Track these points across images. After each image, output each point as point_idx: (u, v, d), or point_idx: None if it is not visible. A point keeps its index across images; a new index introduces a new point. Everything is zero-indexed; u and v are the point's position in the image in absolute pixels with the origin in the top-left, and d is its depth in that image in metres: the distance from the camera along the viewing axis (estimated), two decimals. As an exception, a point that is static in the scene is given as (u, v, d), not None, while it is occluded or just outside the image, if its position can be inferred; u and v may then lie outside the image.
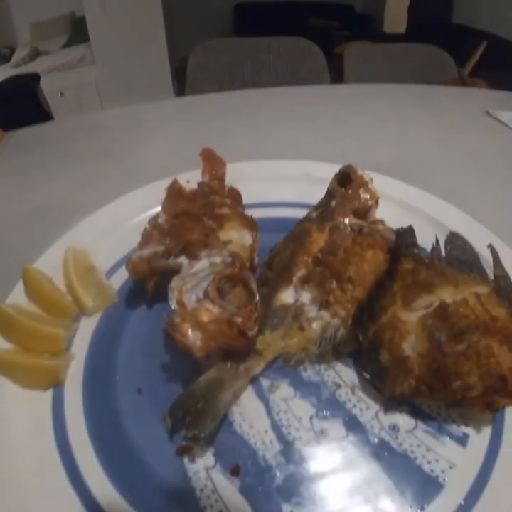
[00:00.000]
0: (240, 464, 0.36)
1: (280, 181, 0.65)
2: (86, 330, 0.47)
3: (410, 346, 0.37)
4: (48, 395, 0.41)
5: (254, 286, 0.41)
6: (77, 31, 3.72)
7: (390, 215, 0.54)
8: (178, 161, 0.71)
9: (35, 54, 3.61)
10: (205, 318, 0.37)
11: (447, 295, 0.39)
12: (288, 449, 0.37)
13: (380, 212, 0.52)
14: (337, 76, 1.63)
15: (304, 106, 1.06)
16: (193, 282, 0.40)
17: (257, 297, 0.40)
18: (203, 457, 0.37)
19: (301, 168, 0.67)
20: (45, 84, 2.25)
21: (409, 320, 0.38)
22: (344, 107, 1.06)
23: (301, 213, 0.55)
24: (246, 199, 0.59)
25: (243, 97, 1.12)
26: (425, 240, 0.52)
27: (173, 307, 0.38)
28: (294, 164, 0.68)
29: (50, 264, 0.52)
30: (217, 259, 0.42)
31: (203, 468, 0.36)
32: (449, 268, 0.43)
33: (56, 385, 0.42)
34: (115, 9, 3.43)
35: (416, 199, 0.59)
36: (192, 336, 0.36)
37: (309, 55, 1.54)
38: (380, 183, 0.54)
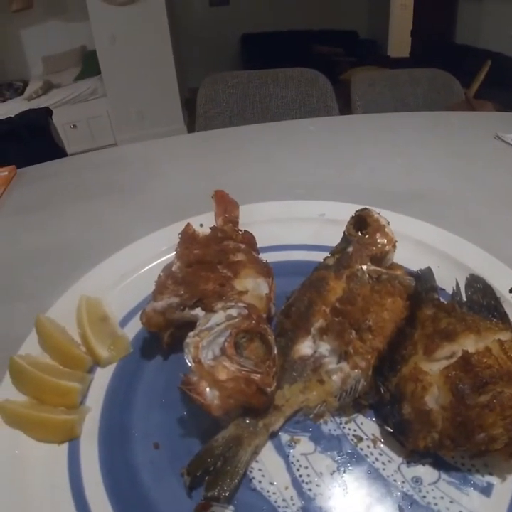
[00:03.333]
0: None
1: (295, 223, 0.65)
2: (101, 382, 0.47)
3: (433, 399, 0.37)
4: (63, 449, 0.41)
5: (271, 339, 0.40)
6: (89, 64, 3.84)
7: (407, 255, 0.54)
8: (190, 199, 0.72)
9: (48, 87, 3.72)
10: (222, 376, 0.36)
11: (470, 344, 0.38)
12: (309, 506, 0.36)
13: (397, 252, 0.51)
14: (344, 103, 1.65)
15: (314, 138, 1.07)
16: (209, 337, 0.39)
17: (275, 351, 0.39)
18: None
19: (316, 208, 0.67)
20: (58, 116, 2.30)
21: (432, 371, 0.38)
22: (355, 138, 1.07)
23: (317, 256, 0.55)
24: (260, 242, 0.59)
25: (253, 132, 1.14)
26: (444, 279, 0.52)
27: (189, 364, 0.37)
28: (308, 205, 0.69)
29: (62, 311, 0.52)
30: (234, 312, 0.42)
31: None
32: (470, 314, 0.42)
33: (72, 439, 0.41)
34: (125, 42, 3.54)
35: (433, 238, 0.59)
36: (209, 395, 0.36)
37: (316, 85, 1.56)
38: (396, 221, 0.54)
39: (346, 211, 0.56)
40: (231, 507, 0.36)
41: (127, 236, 0.64)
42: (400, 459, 0.39)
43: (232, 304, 0.43)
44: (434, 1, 4.79)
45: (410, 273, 0.50)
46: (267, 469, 0.38)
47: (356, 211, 0.54)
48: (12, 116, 1.86)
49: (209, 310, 0.43)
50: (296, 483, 0.37)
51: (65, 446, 0.41)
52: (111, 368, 0.48)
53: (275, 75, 1.58)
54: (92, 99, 3.79)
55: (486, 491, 0.36)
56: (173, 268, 0.51)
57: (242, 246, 0.55)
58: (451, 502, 0.36)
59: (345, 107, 1.65)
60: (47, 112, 1.97)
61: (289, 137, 1.09)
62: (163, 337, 0.47)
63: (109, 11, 3.41)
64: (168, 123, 3.76)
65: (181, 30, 4.53)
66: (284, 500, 0.37)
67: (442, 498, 0.36)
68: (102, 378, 0.47)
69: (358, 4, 5.33)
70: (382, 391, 0.40)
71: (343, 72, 3.83)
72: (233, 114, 1.53)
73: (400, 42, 5.31)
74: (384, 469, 0.38)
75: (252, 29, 4.95)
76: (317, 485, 0.37)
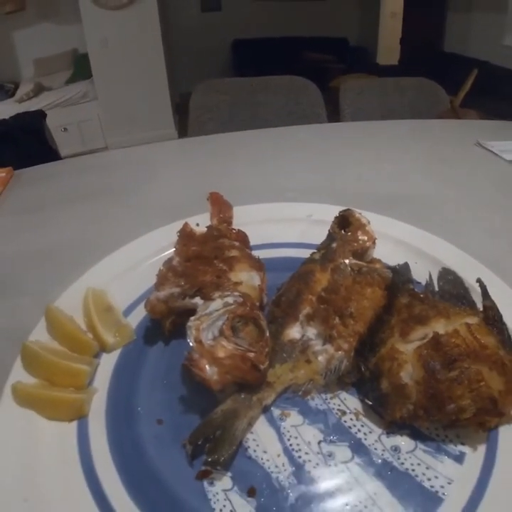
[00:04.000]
0: (256, 485, 0.39)
1: (284, 223, 0.69)
2: (107, 366, 0.50)
3: (408, 375, 0.41)
4: (73, 427, 0.43)
5: (264, 323, 0.45)
6: (80, 67, 3.81)
7: (386, 253, 0.59)
8: (186, 201, 0.76)
9: (39, 89, 3.67)
10: (221, 354, 0.40)
11: (440, 327, 0.43)
12: (299, 471, 0.40)
13: (377, 250, 0.57)
14: (333, 110, 1.69)
15: (303, 144, 1.11)
16: (209, 321, 0.44)
17: (267, 333, 0.44)
18: (221, 480, 0.39)
19: (304, 210, 0.72)
20: (49, 119, 2.31)
21: (406, 351, 0.42)
22: (342, 144, 1.12)
23: (304, 253, 0.59)
24: (252, 241, 0.64)
25: (244, 137, 1.18)
26: (420, 274, 0.57)
27: (191, 344, 0.42)
28: (296, 206, 0.73)
29: (69, 303, 0.55)
30: (230, 300, 0.46)
31: (222, 491, 0.39)
32: (441, 302, 0.47)
33: (81, 417, 0.44)
34: (117, 46, 3.54)
35: (411, 236, 0.64)
36: (209, 371, 0.40)
37: (306, 93, 1.61)
38: (377, 222, 0.59)
39: (332, 212, 0.60)
40: (229, 473, 0.40)
41: (126, 236, 0.67)
42: (380, 430, 0.42)
43: (229, 292, 0.47)
44: (424, 9, 4.85)
45: (388, 267, 0.55)
46: (261, 440, 0.42)
47: (340, 211, 0.59)
48: (6, 118, 1.87)
49: (208, 298, 0.47)
50: (287, 452, 0.41)
51: (75, 423, 0.44)
52: (116, 354, 0.51)
53: (265, 82, 1.63)
54: (83, 102, 3.77)
55: (459, 458, 0.40)
56: (173, 262, 0.55)
57: (236, 243, 0.59)
58: (427, 468, 0.39)
59: (334, 114, 1.68)
60: (41, 114, 1.98)
61: (279, 143, 1.12)
62: (165, 324, 0.51)
63: (101, 15, 3.42)
64: (158, 127, 3.78)
65: (173, 35, 4.55)
66: (276, 466, 0.40)
67: (419, 464, 0.40)
68: (108, 362, 0.50)
69: (349, 12, 5.40)
70: (362, 370, 0.44)
71: (332, 79, 3.87)
72: (224, 121, 1.56)
73: (389, 49, 5.39)
74: (365, 439, 0.42)
75: (243, 35, 4.99)
76: (306, 453, 0.41)
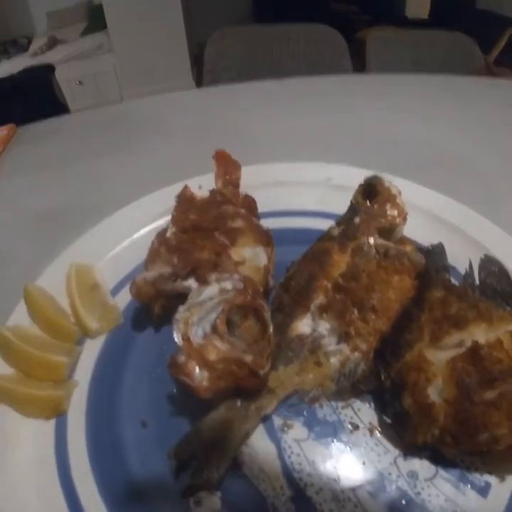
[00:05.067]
0: (248, 510, 0.34)
1: (299, 187, 0.61)
2: (90, 354, 0.45)
3: (436, 391, 0.34)
4: (51, 424, 0.40)
5: (267, 316, 0.37)
6: (95, 19, 3.69)
7: (417, 228, 0.50)
8: (192, 158, 0.69)
9: (52, 43, 3.59)
10: (212, 356, 0.34)
11: (480, 333, 0.35)
12: (299, 496, 0.35)
13: (406, 224, 0.48)
14: (359, 62, 1.57)
15: (324, 97, 1.01)
16: (201, 313, 0.37)
17: (271, 329, 0.37)
18: (209, 500, 0.34)
19: (322, 172, 0.63)
20: (63, 73, 2.23)
21: (437, 361, 0.35)
22: (367, 99, 1.01)
23: (321, 224, 0.52)
24: (261, 207, 0.56)
25: (261, 88, 1.08)
26: (456, 256, 0.48)
27: (177, 342, 0.35)
28: (314, 167, 0.64)
29: (52, 280, 0.50)
30: (228, 285, 0.39)
31: None
32: (482, 300, 0.39)
33: (59, 414, 0.41)
34: (132, -4, 3.40)
35: (447, 210, 0.55)
36: (198, 376, 0.34)
37: (330, 42, 1.49)
38: (408, 191, 0.50)
39: (355, 176, 0.51)
40: (218, 493, 0.35)
41: (128, 197, 0.61)
42: (396, 452, 0.36)
43: (227, 276, 0.40)
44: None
45: (420, 249, 0.46)
46: (258, 455, 0.37)
47: (366, 178, 0.50)
48: (14, 73, 1.80)
49: (202, 281, 0.40)
50: (287, 471, 0.36)
51: (53, 421, 0.40)
52: (101, 339, 0.46)
53: (286, 30, 1.51)
54: (98, 54, 3.67)
55: (484, 491, 0.34)
56: (168, 234, 0.48)
57: (242, 211, 0.52)
58: (445, 500, 0.34)
59: (360, 67, 1.57)
60: (49, 68, 1.90)
61: (298, 96, 1.03)
62: (153, 309, 0.44)
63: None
64: (176, 79, 3.65)
65: (191, -18, 4.34)
66: (273, 488, 0.35)
67: (437, 495, 0.34)
68: (91, 350, 0.45)
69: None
70: (382, 377, 0.37)
71: (359, 31, 3.68)
72: (241, 71, 1.46)
73: (418, 1, 5.10)
74: (379, 461, 0.36)
75: (266, -18, 4.73)
76: (308, 474, 0.36)
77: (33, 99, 1.65)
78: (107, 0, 3.40)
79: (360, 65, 1.57)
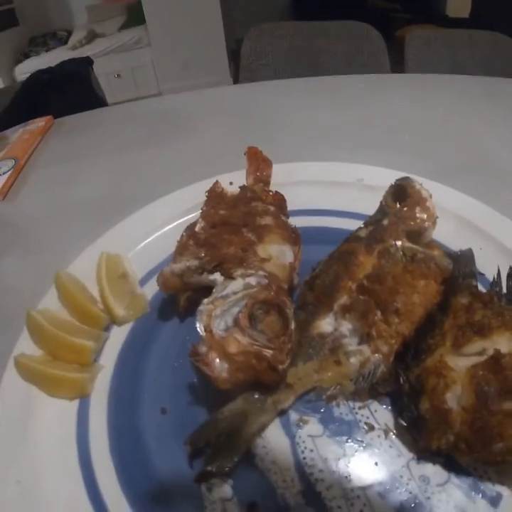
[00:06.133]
0: (258, 500, 0.34)
1: (329, 187, 0.61)
2: (116, 341, 0.46)
3: (454, 398, 0.34)
4: (74, 405, 0.41)
5: (290, 313, 0.38)
6: (134, 13, 3.73)
7: (446, 232, 0.50)
8: (225, 154, 0.70)
9: (91, 36, 3.65)
10: (232, 349, 0.34)
11: (503, 343, 0.35)
12: (308, 491, 0.35)
13: (437, 228, 0.47)
14: (397, 60, 1.54)
15: (361, 96, 1.00)
16: (224, 306, 0.37)
17: (292, 326, 0.37)
18: (221, 488, 0.35)
19: (354, 172, 0.63)
20: (102, 66, 2.26)
21: (457, 367, 0.35)
22: (404, 98, 1.00)
23: (350, 224, 0.52)
24: (291, 205, 0.56)
25: (298, 86, 1.08)
26: (484, 262, 0.47)
27: (200, 333, 0.36)
28: (345, 168, 0.64)
29: (83, 268, 0.51)
30: (253, 280, 0.39)
31: (219, 500, 0.35)
32: (508, 309, 0.38)
33: (83, 396, 0.42)
34: (171, -9, 3.41)
35: (478, 215, 0.53)
36: (218, 367, 0.34)
37: (368, 39, 1.46)
38: (438, 193, 0.49)
39: (387, 178, 0.51)
40: (230, 481, 0.35)
41: (160, 190, 0.62)
42: (410, 455, 0.36)
43: (253, 271, 0.41)
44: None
45: (449, 254, 0.45)
46: (272, 447, 0.37)
47: (396, 180, 0.49)
48: (52, 66, 1.84)
49: (228, 276, 0.41)
50: (299, 466, 0.36)
51: (76, 402, 0.41)
52: (127, 327, 0.47)
53: (325, 27, 1.49)
54: (136, 48, 3.70)
55: (494, 501, 0.34)
56: (197, 228, 0.49)
57: (271, 208, 0.52)
58: (455, 507, 0.33)
59: (398, 66, 1.54)
60: (87, 61, 1.93)
61: (335, 94, 1.02)
62: (179, 300, 0.45)
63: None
64: (213, 74, 3.67)
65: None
66: (284, 481, 0.35)
67: (447, 502, 0.34)
68: (117, 337, 0.47)
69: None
70: (401, 381, 0.37)
71: (398, 29, 3.60)
72: (278, 67, 1.46)
73: (459, 0, 4.95)
74: (392, 463, 0.36)
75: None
76: (320, 470, 0.36)
77: (71, 91, 1.67)
78: (146, -5, 3.44)
79: (398, 63, 1.54)
